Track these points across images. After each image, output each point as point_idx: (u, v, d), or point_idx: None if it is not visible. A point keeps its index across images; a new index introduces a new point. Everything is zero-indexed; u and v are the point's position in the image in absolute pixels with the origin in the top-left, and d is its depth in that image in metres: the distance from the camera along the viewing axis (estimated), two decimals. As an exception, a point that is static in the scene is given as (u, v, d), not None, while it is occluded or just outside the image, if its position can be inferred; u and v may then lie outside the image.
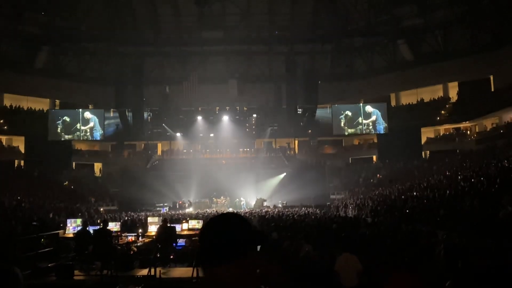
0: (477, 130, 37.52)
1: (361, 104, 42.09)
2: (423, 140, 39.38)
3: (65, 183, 36.62)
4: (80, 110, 41.22)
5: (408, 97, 42.63)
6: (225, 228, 1.38)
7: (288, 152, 41.84)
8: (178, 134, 41.74)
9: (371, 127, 40.45)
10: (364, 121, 40.45)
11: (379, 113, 40.09)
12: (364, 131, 41.02)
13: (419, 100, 41.54)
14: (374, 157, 42.01)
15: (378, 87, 42.34)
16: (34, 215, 22.87)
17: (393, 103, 43.46)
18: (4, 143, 39.82)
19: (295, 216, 21.70)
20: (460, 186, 19.65)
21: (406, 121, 38.46)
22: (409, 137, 37.86)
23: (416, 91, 41.56)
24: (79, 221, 13.09)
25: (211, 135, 41.74)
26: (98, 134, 40.82)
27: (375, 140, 42.22)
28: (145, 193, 33.63)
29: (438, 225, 13.71)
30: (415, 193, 23.25)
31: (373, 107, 40.60)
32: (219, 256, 1.33)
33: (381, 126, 39.92)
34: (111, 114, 42.72)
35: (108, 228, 11.51)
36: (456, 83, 39.36)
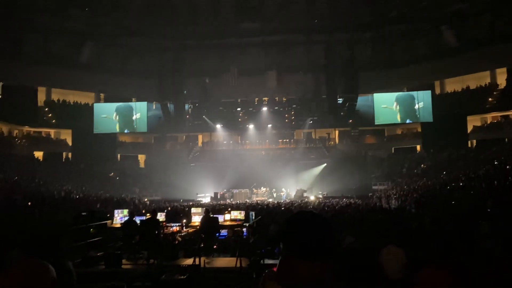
0: (527, 118, 35.89)
1: (404, 92, 41.03)
2: (469, 128, 37.97)
3: (110, 175, 37.80)
4: (124, 103, 42.32)
5: (453, 85, 41.20)
6: (323, 228, 1.46)
7: (328, 142, 41.44)
8: (218, 126, 42.18)
9: (414, 115, 39.42)
10: (407, 110, 39.45)
11: (422, 102, 38.98)
12: (407, 120, 40.04)
13: (464, 87, 40.08)
14: (418, 147, 40.95)
15: (422, 75, 41.08)
16: (83, 205, 23.82)
17: (437, 91, 42.12)
18: (52, 136, 41.59)
19: (337, 207, 21.53)
20: (509, 176, 18.90)
21: (451, 109, 37.20)
22: (454, 126, 36.63)
23: (461, 78, 40.09)
24: (126, 211, 13.51)
25: (251, 126, 41.92)
26: (142, 126, 41.84)
27: (419, 129, 41.10)
28: (187, 183, 34.29)
29: (486, 217, 13.26)
30: (461, 184, 22.56)
31: (416, 95, 39.52)
32: (320, 252, 1.41)
33: (425, 115, 38.80)
34: (154, 107, 43.60)
35: (157, 218, 11.83)
36: (504, 69, 37.64)
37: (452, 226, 11.10)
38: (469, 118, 37.57)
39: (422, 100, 38.91)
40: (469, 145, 37.28)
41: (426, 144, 38.90)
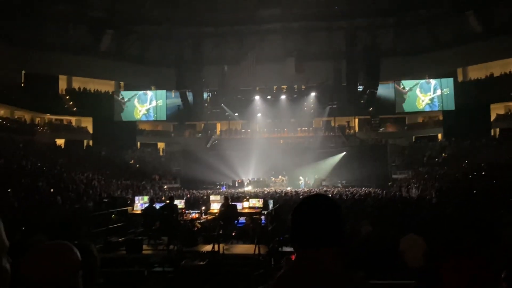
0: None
1: (426, 79, 40.31)
2: (492, 117, 37.13)
3: (130, 162, 38.28)
4: (144, 91, 42.65)
5: (477, 72, 40.28)
6: (325, 212, 1.40)
7: (348, 131, 41.09)
8: (236, 114, 42.18)
9: (436, 103, 38.75)
10: (429, 98, 38.81)
11: (445, 89, 38.25)
12: (429, 108, 39.40)
13: (488, 75, 39.13)
14: (440, 135, 40.29)
15: (444, 62, 40.24)
16: (104, 192, 24.22)
17: (460, 79, 41.27)
18: (73, 124, 42.25)
19: (356, 196, 21.42)
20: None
21: (474, 97, 36.41)
22: (477, 114, 35.89)
23: (485, 65, 39.16)
24: (146, 198, 13.68)
25: (269, 114, 41.75)
26: (161, 114, 42.15)
27: (441, 118, 40.41)
28: (205, 171, 34.43)
29: (508, 207, 13.01)
30: (483, 173, 22.17)
31: (438, 82, 38.81)
32: (321, 239, 1.37)
33: (447, 103, 38.10)
34: (173, 95, 43.82)
35: (174, 203, 11.95)
36: (530, 56, 36.66)
37: (474, 216, 10.94)
38: (492, 106, 36.75)
39: (444, 88, 38.19)
40: (492, 134, 36.52)
41: (448, 132, 38.25)
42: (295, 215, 1.42)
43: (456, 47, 39.35)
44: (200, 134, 44.55)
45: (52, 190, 22.11)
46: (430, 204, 15.72)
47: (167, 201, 11.56)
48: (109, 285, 7.26)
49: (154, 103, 41.90)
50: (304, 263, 1.36)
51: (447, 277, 2.55)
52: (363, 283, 1.42)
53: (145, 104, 41.96)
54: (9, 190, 19.82)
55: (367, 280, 1.44)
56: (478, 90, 37.43)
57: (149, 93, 42.53)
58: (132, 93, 42.70)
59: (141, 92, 42.48)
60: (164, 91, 42.46)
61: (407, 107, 39.70)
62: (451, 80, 38.77)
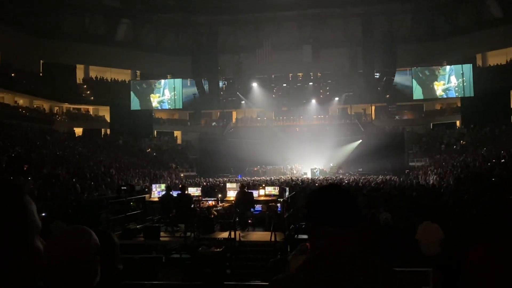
0: None
1: (444, 66, 39.63)
2: (513, 103, 36.42)
3: (147, 150, 38.64)
4: (160, 80, 42.85)
5: (496, 58, 39.35)
6: (348, 196, 1.44)
7: (364, 118, 40.75)
8: (251, 102, 42.13)
9: (454, 90, 38.12)
10: (448, 84, 38.18)
11: (463, 75, 37.56)
12: (447, 95, 38.79)
13: (508, 60, 38.22)
14: (458, 122, 39.65)
15: (463, 48, 39.40)
16: (121, 180, 24.54)
17: (479, 64, 40.43)
18: (91, 113, 42.74)
19: (372, 183, 21.31)
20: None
21: (494, 83, 35.65)
22: (496, 100, 35.14)
23: (505, 50, 38.19)
24: (163, 186, 13.81)
25: (285, 102, 41.63)
26: (178, 103, 42.34)
27: (459, 104, 39.71)
28: (221, 159, 34.61)
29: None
30: (502, 161, 21.82)
31: (457, 69, 38.12)
32: (349, 219, 1.41)
33: (466, 89, 37.44)
34: (189, 84, 43.94)
35: (187, 193, 12.04)
36: (553, 41, 35.66)
37: (493, 204, 10.80)
38: (512, 92, 35.99)
39: (463, 74, 37.51)
40: (512, 121, 35.80)
41: (466, 119, 37.62)
42: (323, 196, 1.48)
43: (475, 32, 38.49)
44: (214, 123, 44.69)
45: (72, 178, 22.48)
46: (448, 192, 15.55)
47: (179, 192, 11.63)
48: (127, 271, 7.39)
49: (171, 92, 42.06)
50: (330, 242, 1.39)
51: (472, 263, 2.53)
52: (388, 267, 1.45)
53: (162, 93, 42.17)
54: (29, 178, 20.21)
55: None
56: (497, 76, 36.61)
57: (166, 81, 42.68)
58: (149, 81, 42.95)
59: (158, 81, 42.67)
60: (180, 80, 42.58)
61: (424, 94, 39.13)
62: (469, 66, 38.02)
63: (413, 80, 39.10)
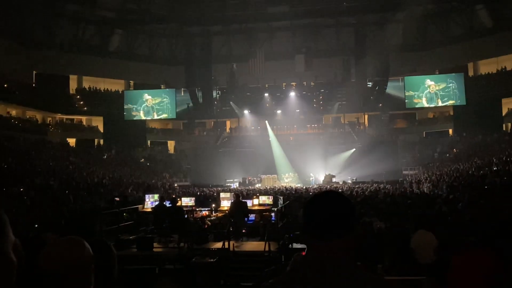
0: None
1: (436, 75, 39.94)
2: (504, 111, 36.74)
3: (141, 160, 38.50)
4: (154, 90, 42.85)
5: (488, 66, 39.80)
6: (337, 206, 1.42)
7: (358, 127, 40.92)
8: (245, 111, 42.18)
9: (447, 99, 38.43)
10: (440, 93, 38.49)
11: (455, 84, 37.92)
12: (439, 103, 39.09)
13: (499, 69, 38.66)
14: (450, 131, 39.96)
15: (454, 57, 39.85)
16: (115, 191, 24.39)
17: (470, 73, 40.84)
18: (84, 123, 42.60)
19: (366, 192, 21.31)
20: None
21: (485, 92, 36.05)
22: (488, 109, 35.56)
23: (496, 59, 38.69)
24: (156, 196, 13.71)
25: (278, 111, 41.74)
26: (171, 113, 42.30)
27: (451, 113, 40.06)
28: (215, 169, 34.56)
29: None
30: (495, 168, 21.95)
31: (449, 77, 38.46)
32: (332, 231, 1.38)
33: (458, 98, 37.77)
34: (182, 93, 43.95)
35: (178, 205, 11.97)
36: (542, 50, 36.13)
37: (485, 211, 10.83)
38: (504, 100, 36.37)
39: (455, 83, 37.88)
40: (504, 129, 36.12)
41: (459, 127, 37.96)
42: (308, 207, 1.45)
43: (466, 41, 38.95)
44: (206, 133, 44.68)
45: (65, 189, 22.32)
46: (441, 200, 15.58)
47: (170, 204, 11.57)
48: (120, 282, 7.33)
49: (164, 102, 42.03)
50: (315, 254, 1.37)
51: (458, 269, 2.56)
52: (376, 277, 1.43)
53: (155, 103, 42.11)
54: (21, 189, 20.05)
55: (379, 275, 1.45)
56: (489, 84, 37.05)
57: (159, 92, 42.68)
58: (142, 92, 42.91)
59: (151, 91, 42.69)
60: (173, 90, 42.62)
61: (416, 102, 39.43)
62: (461, 75, 38.48)
63: (405, 89, 39.39)
